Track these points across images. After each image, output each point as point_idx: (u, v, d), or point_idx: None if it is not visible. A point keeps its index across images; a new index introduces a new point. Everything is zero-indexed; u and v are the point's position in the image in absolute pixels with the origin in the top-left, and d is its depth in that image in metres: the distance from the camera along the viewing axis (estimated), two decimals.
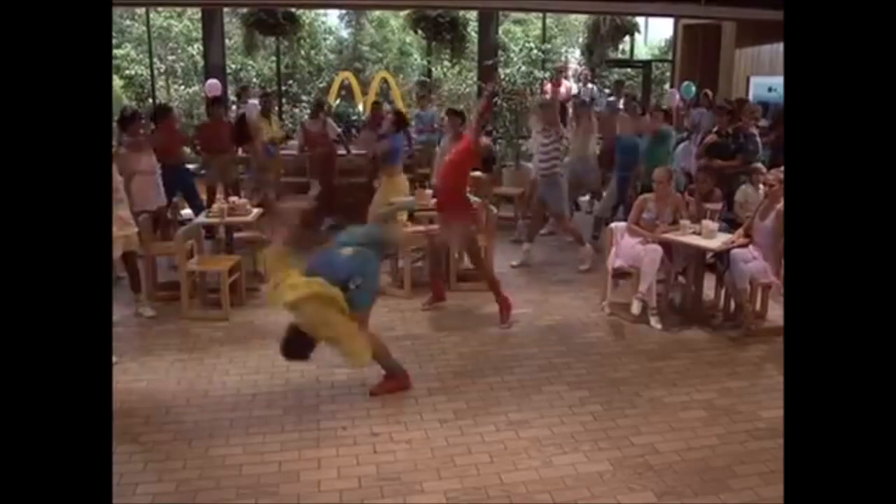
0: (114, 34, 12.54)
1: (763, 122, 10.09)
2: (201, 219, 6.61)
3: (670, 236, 5.90)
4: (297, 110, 12.20)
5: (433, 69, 13.25)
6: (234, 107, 11.78)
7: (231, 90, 12.32)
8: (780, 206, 5.47)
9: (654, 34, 16.18)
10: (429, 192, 6.91)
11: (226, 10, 12.25)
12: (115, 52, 13.02)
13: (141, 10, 12.78)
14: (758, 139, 7.54)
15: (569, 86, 11.74)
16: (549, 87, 11.78)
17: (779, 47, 11.17)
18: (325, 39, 14.28)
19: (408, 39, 14.47)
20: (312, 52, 13.56)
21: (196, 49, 13.06)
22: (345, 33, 14.90)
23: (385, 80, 12.34)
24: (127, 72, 13.41)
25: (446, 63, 13.40)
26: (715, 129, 8.03)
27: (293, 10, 12.03)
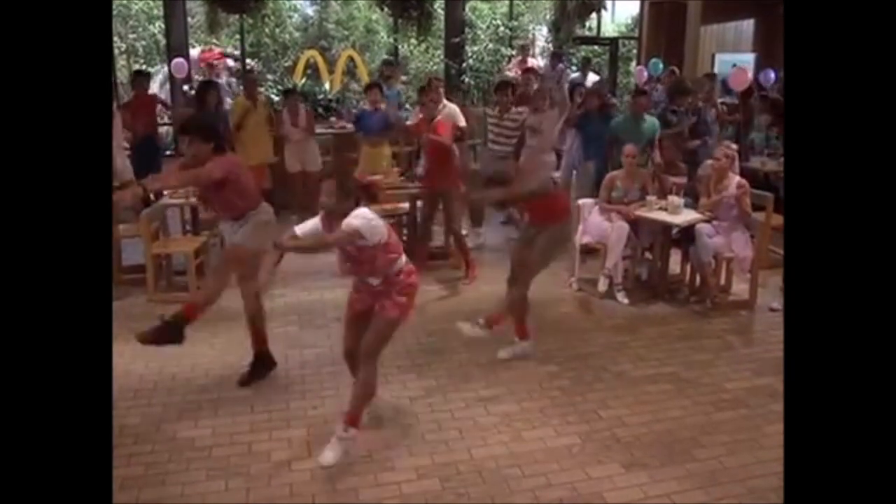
0: None
1: (728, 99, 10.19)
2: (165, 200, 6.51)
3: (638, 213, 5.97)
4: (262, 89, 12.00)
5: (400, 47, 13.13)
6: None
7: (196, 70, 12.08)
8: (734, 181, 5.60)
9: (621, 11, 16.15)
10: (396, 170, 6.89)
11: None
12: None
13: None
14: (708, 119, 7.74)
15: (536, 63, 11.69)
16: (514, 63, 11.75)
17: (742, 24, 11.25)
18: (290, 17, 14.03)
19: (374, 17, 14.30)
20: (277, 29, 13.33)
21: (157, 27, 12.79)
22: (310, 11, 14.62)
23: (351, 59, 12.21)
24: None
25: (413, 41, 13.29)
26: (672, 107, 8.08)
27: None
